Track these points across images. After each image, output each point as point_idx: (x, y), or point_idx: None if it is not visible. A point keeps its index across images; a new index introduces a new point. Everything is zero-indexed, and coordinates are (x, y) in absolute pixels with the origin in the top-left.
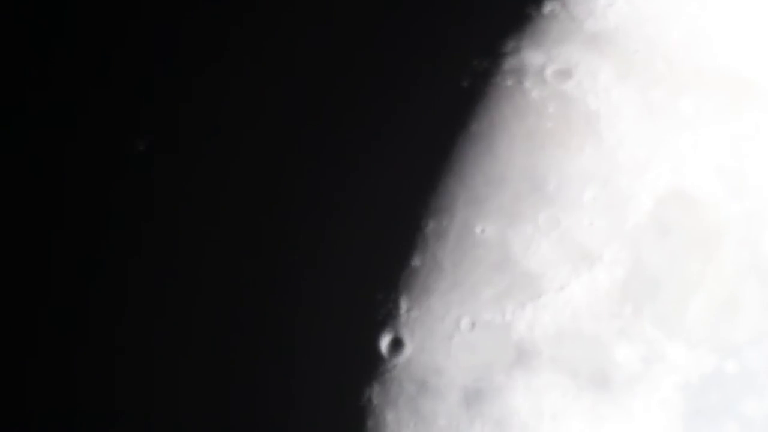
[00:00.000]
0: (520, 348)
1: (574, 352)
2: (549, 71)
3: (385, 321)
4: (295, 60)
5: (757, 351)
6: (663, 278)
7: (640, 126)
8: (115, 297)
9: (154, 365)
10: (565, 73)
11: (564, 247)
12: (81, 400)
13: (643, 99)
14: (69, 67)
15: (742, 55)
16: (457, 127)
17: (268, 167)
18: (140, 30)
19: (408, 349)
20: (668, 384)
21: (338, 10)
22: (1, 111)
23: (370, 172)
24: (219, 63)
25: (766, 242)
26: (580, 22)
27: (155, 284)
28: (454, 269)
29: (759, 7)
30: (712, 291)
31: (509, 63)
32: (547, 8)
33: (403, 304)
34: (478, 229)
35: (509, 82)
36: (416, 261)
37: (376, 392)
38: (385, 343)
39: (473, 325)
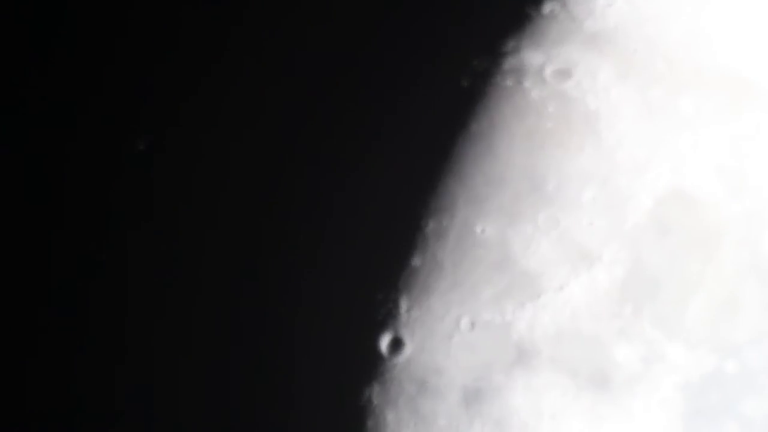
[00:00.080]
0: (520, 348)
1: (573, 351)
2: (549, 71)
3: (385, 321)
4: (295, 60)
5: (757, 351)
6: (663, 278)
7: (639, 126)
8: (115, 297)
9: (154, 365)
10: (564, 73)
11: (563, 246)
12: (81, 400)
13: (642, 99)
14: (69, 67)
15: (742, 55)
16: (457, 126)
17: (268, 167)
18: (140, 30)
19: (408, 349)
20: (668, 384)
21: (338, 10)
22: (1, 111)
23: (370, 172)
24: (219, 63)
25: (766, 242)
26: (579, 22)
27: (155, 284)
28: (454, 269)
29: (759, 7)
30: (712, 291)
31: (509, 63)
32: (546, 8)
33: (403, 304)
34: (478, 229)
35: (509, 82)
36: (416, 261)
37: (376, 392)
38: (385, 342)
39: (473, 324)
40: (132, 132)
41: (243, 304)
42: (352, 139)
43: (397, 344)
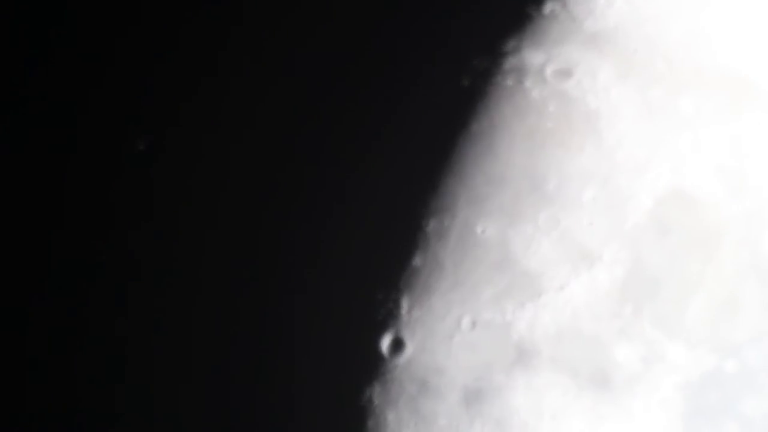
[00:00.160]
0: (521, 347)
1: (574, 351)
2: (549, 71)
3: (385, 321)
4: (295, 60)
5: (756, 350)
6: (663, 278)
7: (639, 125)
8: (115, 297)
9: (154, 365)
10: (565, 73)
11: (564, 246)
12: (81, 400)
13: (642, 98)
14: (69, 67)
15: (742, 55)
16: (458, 126)
17: (268, 167)
18: (140, 30)
19: (409, 349)
20: (668, 384)
21: (338, 10)
22: (1, 111)
23: (370, 172)
24: (219, 63)
25: (766, 242)
26: (580, 22)
27: (155, 284)
28: (454, 269)
29: (759, 7)
30: (712, 291)
31: (509, 62)
32: (547, 8)
33: (404, 304)
34: (478, 229)
35: (509, 82)
36: (417, 261)
37: (376, 392)
38: (385, 343)
39: (474, 324)
40: (132, 132)
41: (243, 304)
42: (352, 139)
43: (397, 344)
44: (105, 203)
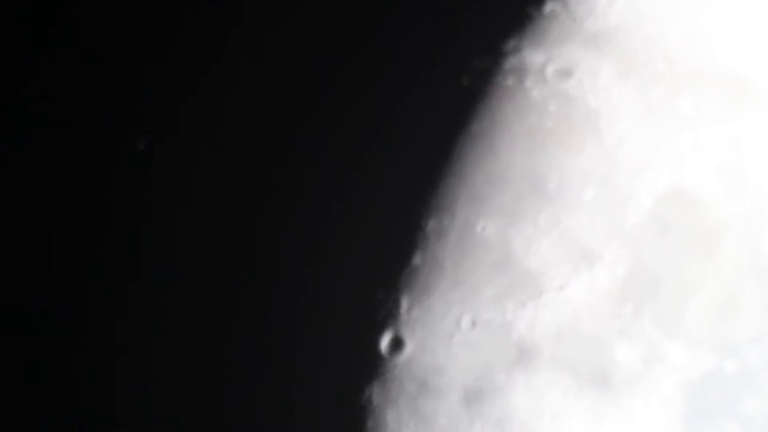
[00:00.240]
0: (521, 347)
1: (574, 351)
2: (549, 70)
3: (385, 320)
4: (295, 60)
5: (756, 350)
6: (663, 278)
7: (640, 125)
8: (115, 297)
9: (154, 365)
10: (565, 73)
11: (564, 246)
12: (81, 400)
13: (643, 98)
14: (69, 67)
15: (742, 55)
16: (458, 126)
17: (268, 167)
18: (140, 30)
19: (408, 349)
20: (668, 383)
21: (338, 10)
22: (1, 111)
23: (370, 172)
24: (219, 63)
25: (766, 242)
26: (580, 22)
27: (155, 284)
28: (454, 268)
29: (759, 7)
30: (712, 290)
31: (510, 62)
32: (547, 8)
33: (404, 304)
34: (478, 228)
35: (510, 82)
36: (417, 260)
37: (376, 392)
38: (385, 342)
39: (474, 324)
40: (132, 132)
41: (243, 304)
42: (352, 139)
43: (397, 344)
44: (105, 203)
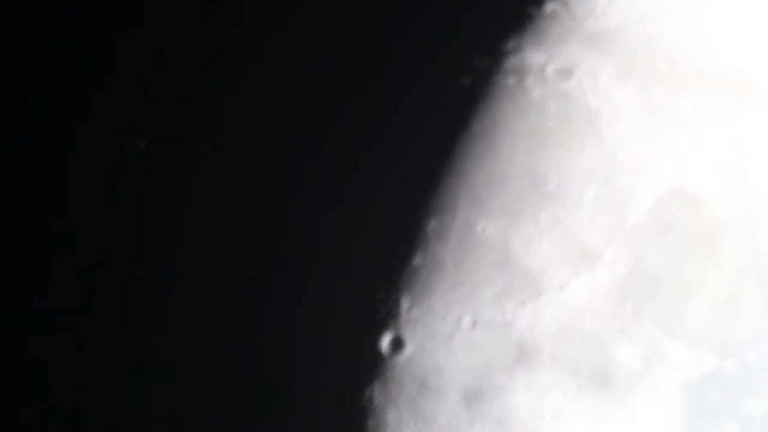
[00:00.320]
0: (521, 347)
1: (574, 351)
2: (550, 70)
3: (385, 320)
4: (295, 60)
5: (757, 350)
6: (663, 277)
7: (640, 125)
8: (115, 297)
9: (154, 365)
10: (566, 73)
11: (565, 246)
12: (81, 400)
13: (643, 98)
14: (69, 67)
15: (742, 55)
16: (458, 126)
17: (268, 167)
18: (140, 30)
19: (409, 349)
20: (669, 383)
21: (338, 10)
22: (1, 111)
23: (371, 172)
24: (219, 63)
25: (767, 242)
26: (580, 22)
27: (155, 284)
28: (455, 268)
29: (759, 7)
30: (712, 290)
31: (510, 62)
32: (547, 7)
33: (404, 303)
34: (479, 228)
35: (510, 81)
36: (417, 260)
37: (376, 392)
38: (385, 342)
39: (474, 323)
40: (132, 132)
41: (243, 304)
42: (352, 139)
43: (397, 343)
44: (105, 203)
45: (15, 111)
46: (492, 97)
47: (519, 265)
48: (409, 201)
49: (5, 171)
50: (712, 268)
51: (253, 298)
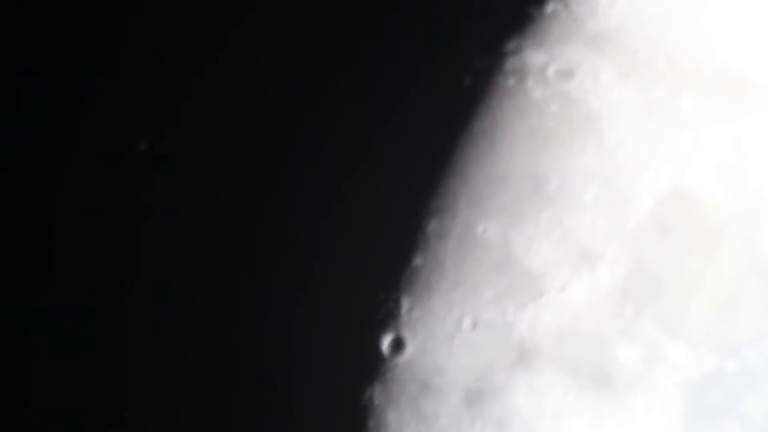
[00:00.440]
0: (522, 348)
1: (575, 351)
2: (551, 71)
3: (386, 321)
4: (295, 60)
5: (757, 350)
6: (664, 278)
7: (641, 125)
8: (115, 297)
9: (154, 365)
10: (566, 73)
11: (565, 246)
12: (81, 400)
13: (644, 98)
14: (69, 68)
15: (743, 55)
16: (459, 126)
17: (268, 167)
18: (140, 30)
19: (409, 349)
20: (669, 383)
21: (338, 10)
22: (1, 111)
23: (371, 172)
24: (219, 63)
25: (767, 242)
26: (581, 22)
27: (155, 284)
28: (455, 269)
29: (759, 7)
30: (712, 290)
31: (511, 62)
32: (548, 8)
33: (405, 304)
34: (479, 229)
35: (511, 82)
36: (418, 261)
37: (377, 392)
38: (386, 342)
39: (475, 324)
40: (132, 132)
41: (243, 304)
42: (353, 139)
43: (398, 344)
44: (105, 203)
45: (15, 111)
46: (493, 97)
47: (520, 266)
48: (409, 201)
49: (5, 171)
50: (712, 268)
51: (253, 298)
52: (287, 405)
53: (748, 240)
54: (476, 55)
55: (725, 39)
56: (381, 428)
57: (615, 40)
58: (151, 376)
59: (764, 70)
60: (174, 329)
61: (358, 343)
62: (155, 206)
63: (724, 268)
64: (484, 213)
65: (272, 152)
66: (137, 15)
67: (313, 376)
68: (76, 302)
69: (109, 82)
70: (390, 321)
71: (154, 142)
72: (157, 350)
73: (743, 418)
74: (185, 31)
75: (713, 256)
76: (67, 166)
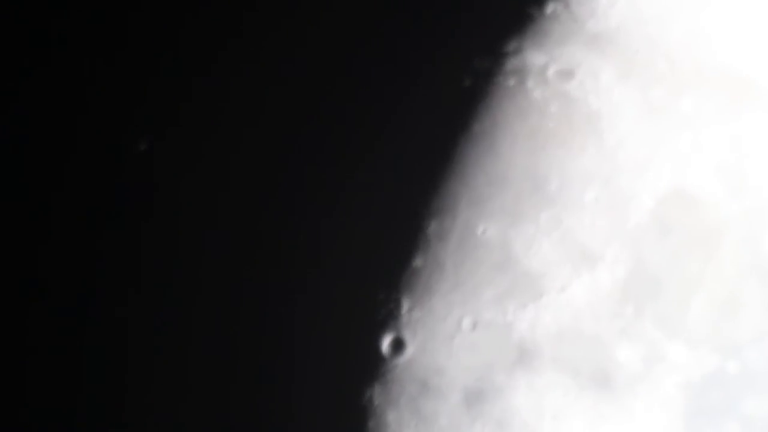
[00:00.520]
0: (522, 348)
1: (575, 351)
2: (551, 71)
3: (386, 321)
4: (295, 60)
5: (758, 350)
6: (664, 278)
7: (641, 126)
8: (114, 297)
9: (154, 365)
10: (567, 73)
11: (565, 247)
12: (81, 400)
13: (644, 99)
14: (69, 68)
15: (743, 55)
16: (459, 126)
17: (268, 167)
18: (140, 30)
19: (409, 350)
20: (669, 384)
21: (338, 10)
22: (1, 111)
23: (371, 172)
24: (219, 63)
25: (767, 242)
26: (581, 23)
27: (155, 284)
28: (455, 269)
29: (759, 7)
30: (712, 290)
31: (511, 63)
32: (549, 8)
33: (405, 305)
34: (480, 230)
35: (511, 82)
36: (418, 261)
37: (377, 392)
38: (386, 343)
39: (475, 325)
40: (132, 132)
41: (243, 304)
42: (353, 139)
43: (398, 344)
44: (105, 203)
45: (15, 111)
46: (493, 97)
47: (520, 267)
48: (409, 202)
49: (5, 171)
50: (712, 268)
51: (253, 298)
52: (287, 405)
53: (748, 240)
54: (476, 55)
55: (725, 39)
56: (381, 428)
57: (615, 40)
58: (151, 376)
59: (764, 70)
60: (174, 329)
61: (358, 344)
62: (155, 206)
63: (724, 268)
64: (485, 213)
65: (272, 152)
66: (137, 15)
67: (313, 377)
68: (76, 302)
69: (109, 82)
70: (390, 321)
71: (154, 142)
72: (156, 350)
73: (743, 419)
74: (185, 31)
75: (713, 256)
76: (67, 166)
